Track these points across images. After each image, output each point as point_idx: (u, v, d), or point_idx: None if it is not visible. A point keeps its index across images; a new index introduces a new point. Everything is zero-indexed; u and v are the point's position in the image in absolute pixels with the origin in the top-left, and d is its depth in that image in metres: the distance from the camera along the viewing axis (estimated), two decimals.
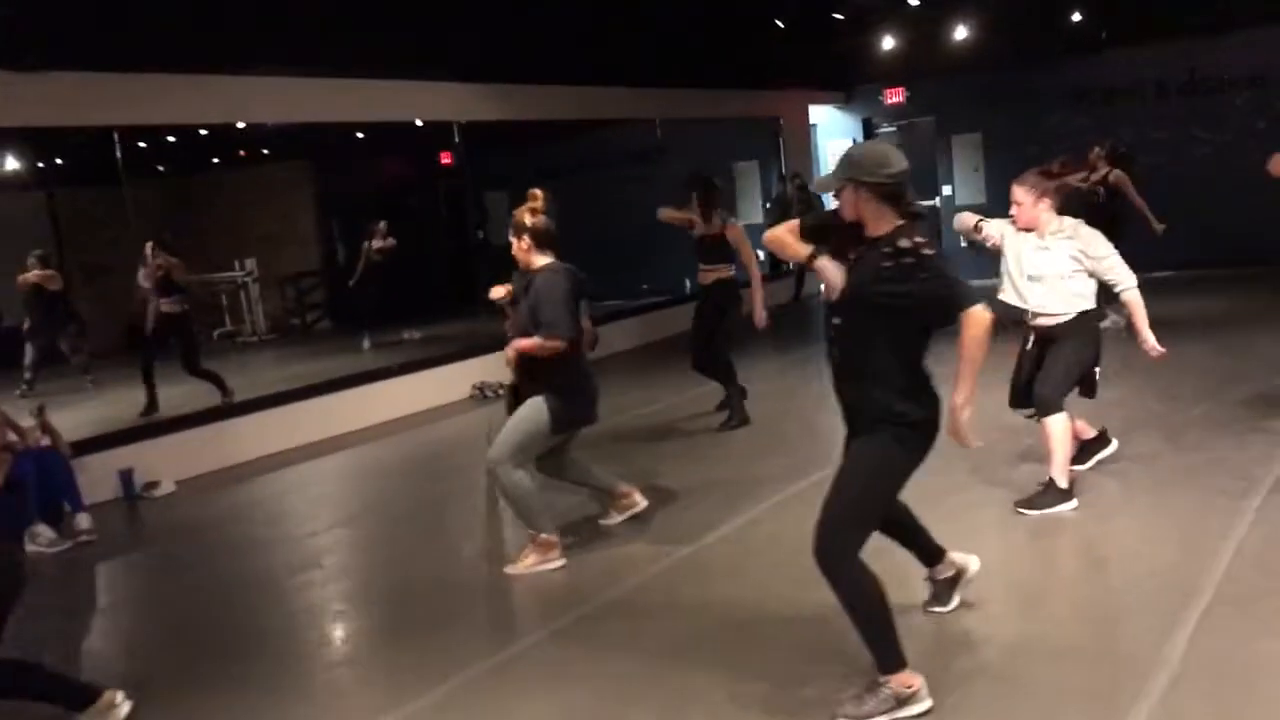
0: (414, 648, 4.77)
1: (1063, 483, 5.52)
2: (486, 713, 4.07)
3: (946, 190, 16.00)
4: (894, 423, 3.61)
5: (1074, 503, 5.54)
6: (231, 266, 17.01)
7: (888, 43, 15.01)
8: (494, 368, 10.41)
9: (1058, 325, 5.64)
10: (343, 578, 5.96)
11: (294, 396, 9.28)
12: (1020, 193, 5.60)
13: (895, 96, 16.20)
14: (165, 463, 8.02)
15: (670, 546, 5.66)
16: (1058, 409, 5.53)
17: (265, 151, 17.37)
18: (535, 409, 5.40)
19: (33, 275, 10.91)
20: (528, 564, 5.46)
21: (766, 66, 14.18)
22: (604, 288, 8.45)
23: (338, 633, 5.21)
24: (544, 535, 5.49)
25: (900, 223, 3.59)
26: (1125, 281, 5.61)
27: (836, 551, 3.58)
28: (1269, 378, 7.90)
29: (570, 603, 5.06)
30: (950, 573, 4.29)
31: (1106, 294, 10.57)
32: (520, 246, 5.47)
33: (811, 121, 16.75)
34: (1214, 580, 4.51)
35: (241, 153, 17.10)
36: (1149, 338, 5.66)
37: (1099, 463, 6.18)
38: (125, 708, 4.20)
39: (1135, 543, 5.18)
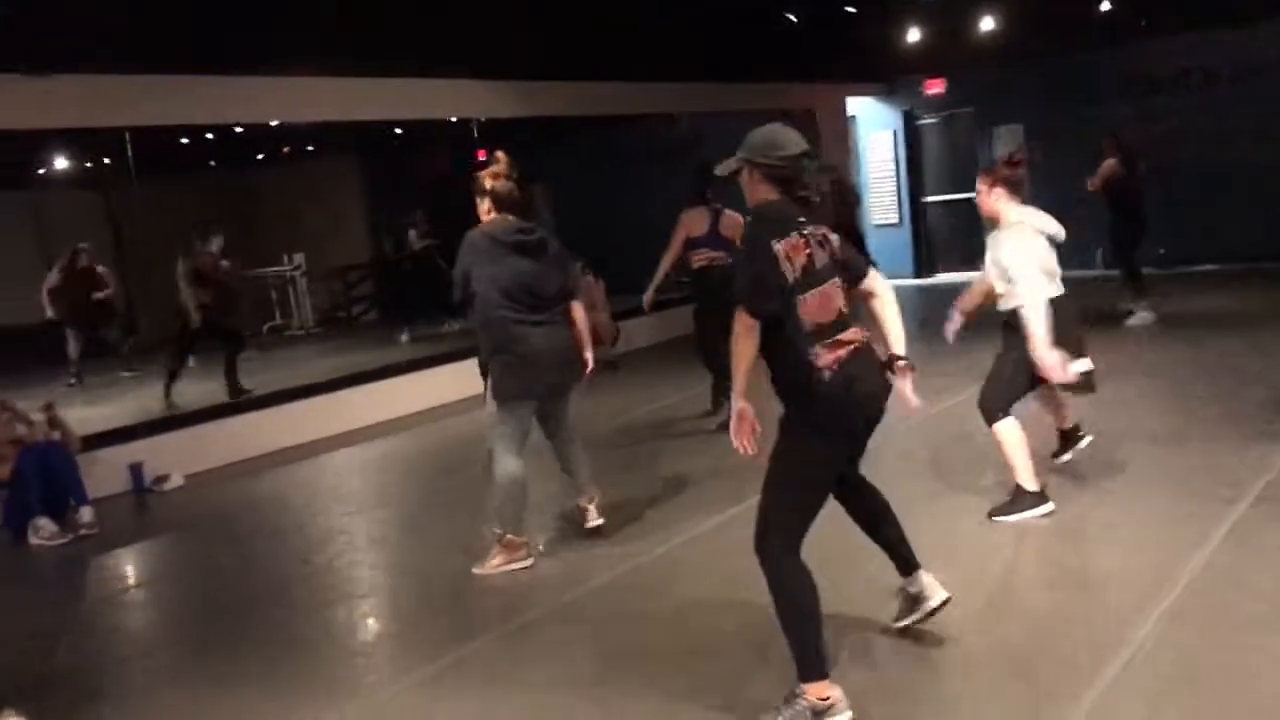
0: (365, 650, 4.85)
1: (1030, 486, 5.41)
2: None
3: None
4: (799, 412, 3.62)
5: (1049, 506, 5.41)
6: (280, 261, 17.32)
7: (928, 32, 14.73)
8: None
9: (1007, 319, 5.46)
10: (326, 575, 6.01)
11: (308, 392, 9.41)
12: (978, 183, 5.61)
13: (936, 87, 15.94)
14: (176, 457, 8.18)
15: (640, 545, 5.64)
16: (996, 418, 5.42)
17: (312, 148, 17.64)
18: (488, 386, 5.46)
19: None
20: (495, 564, 5.45)
21: (800, 58, 14.01)
22: (639, 280, 8.46)
23: (284, 632, 5.20)
24: (510, 536, 5.45)
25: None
26: (1024, 299, 5.25)
27: (767, 550, 3.58)
28: None
29: (524, 605, 5.05)
30: (915, 589, 4.13)
31: (1135, 290, 10.78)
32: (482, 209, 5.45)
33: (851, 114, 16.56)
34: (1174, 592, 4.39)
35: (287, 150, 17.37)
36: (1043, 355, 5.25)
37: (1086, 460, 6.06)
38: None
39: (1103, 550, 5.07)
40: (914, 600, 4.13)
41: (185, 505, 7.76)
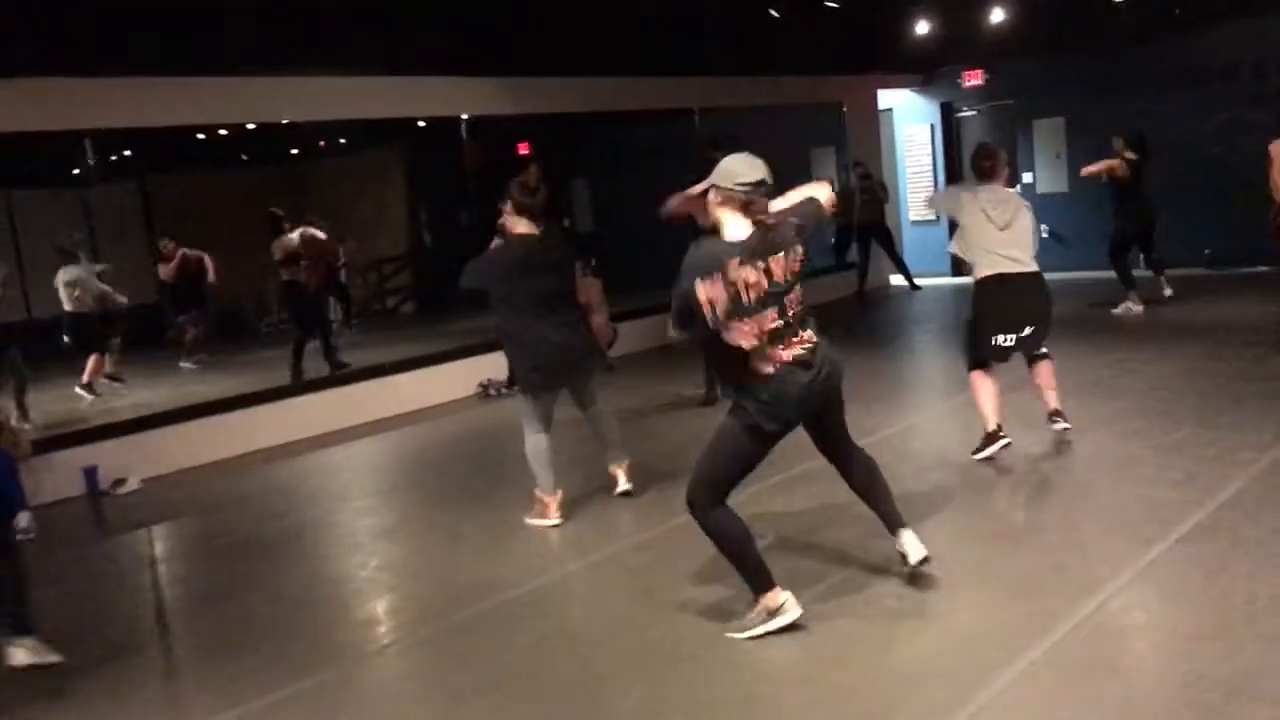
0: (265, 651, 4.87)
1: (989, 426, 6.41)
2: None
3: (1027, 178, 15.14)
4: (735, 396, 4.32)
5: (1004, 441, 6.37)
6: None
7: (966, 22, 14.21)
8: (501, 365, 10.41)
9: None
10: (246, 584, 5.94)
11: (277, 395, 9.48)
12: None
13: (974, 79, 15.39)
14: (135, 460, 8.22)
15: (603, 542, 5.88)
16: (967, 368, 6.54)
17: (354, 142, 17.75)
18: (519, 380, 6.25)
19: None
20: (531, 518, 6.24)
21: (826, 50, 13.63)
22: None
23: (199, 632, 5.29)
24: (544, 495, 6.19)
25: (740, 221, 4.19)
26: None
27: (695, 502, 4.35)
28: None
29: (454, 607, 5.07)
30: (899, 548, 4.71)
31: (1124, 282, 11.18)
32: (506, 210, 6.16)
33: (887, 106, 16.08)
34: (1036, 652, 4.07)
35: (342, 141, 17.51)
36: None
37: (1016, 483, 5.79)
38: None
39: (986, 593, 4.71)
40: (901, 557, 4.72)
41: (134, 509, 7.79)
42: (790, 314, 4.22)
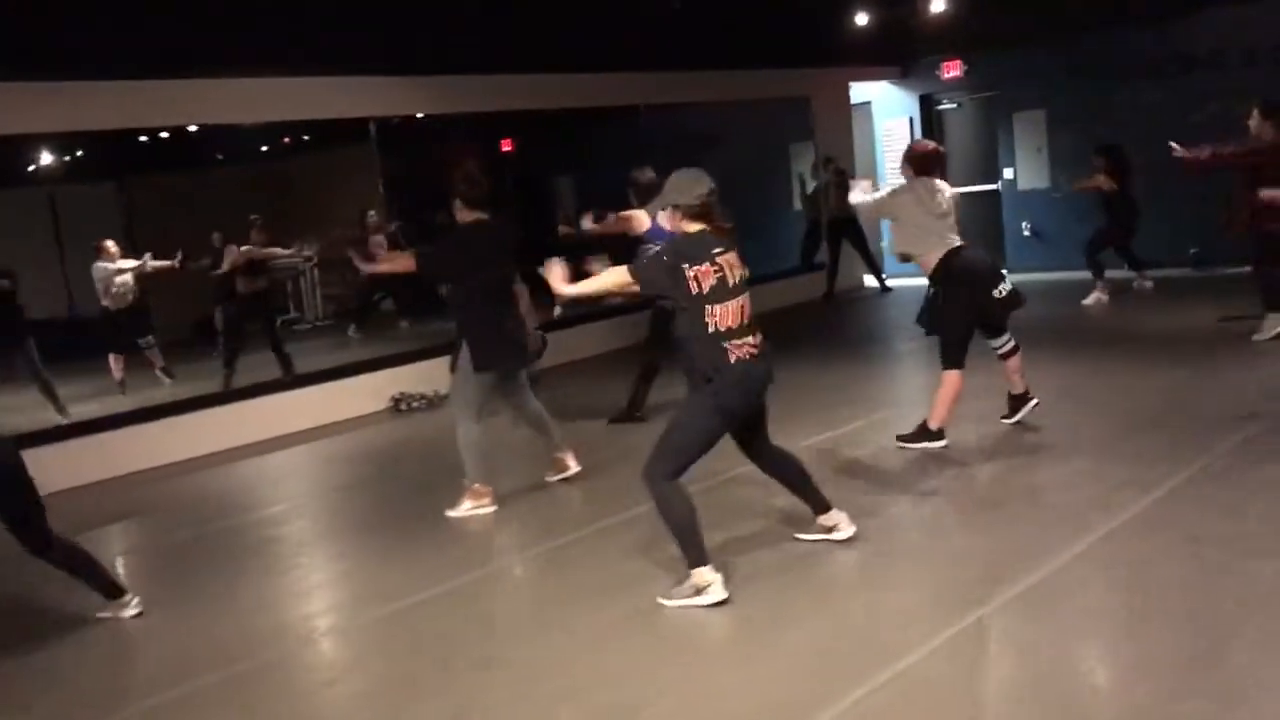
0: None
1: (934, 425, 6.58)
2: None
3: (1008, 173, 14.49)
4: (703, 388, 4.63)
5: (943, 442, 6.56)
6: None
7: (946, 9, 13.55)
8: (415, 378, 10.00)
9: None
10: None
11: (190, 406, 9.18)
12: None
13: (953, 70, 14.74)
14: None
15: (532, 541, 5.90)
16: (944, 365, 6.57)
17: (331, 138, 17.44)
18: (463, 358, 6.31)
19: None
20: (464, 508, 6.38)
21: (791, 42, 13.05)
22: None
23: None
24: (478, 485, 6.36)
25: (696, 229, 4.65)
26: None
27: (652, 474, 4.61)
28: (1222, 417, 6.62)
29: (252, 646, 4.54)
30: (830, 523, 5.15)
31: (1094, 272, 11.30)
32: (456, 206, 6.32)
33: (865, 99, 15.46)
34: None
35: (288, 140, 17.18)
36: None
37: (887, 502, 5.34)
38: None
39: (808, 632, 4.25)
40: (825, 529, 5.16)
41: None
42: (745, 315, 4.66)
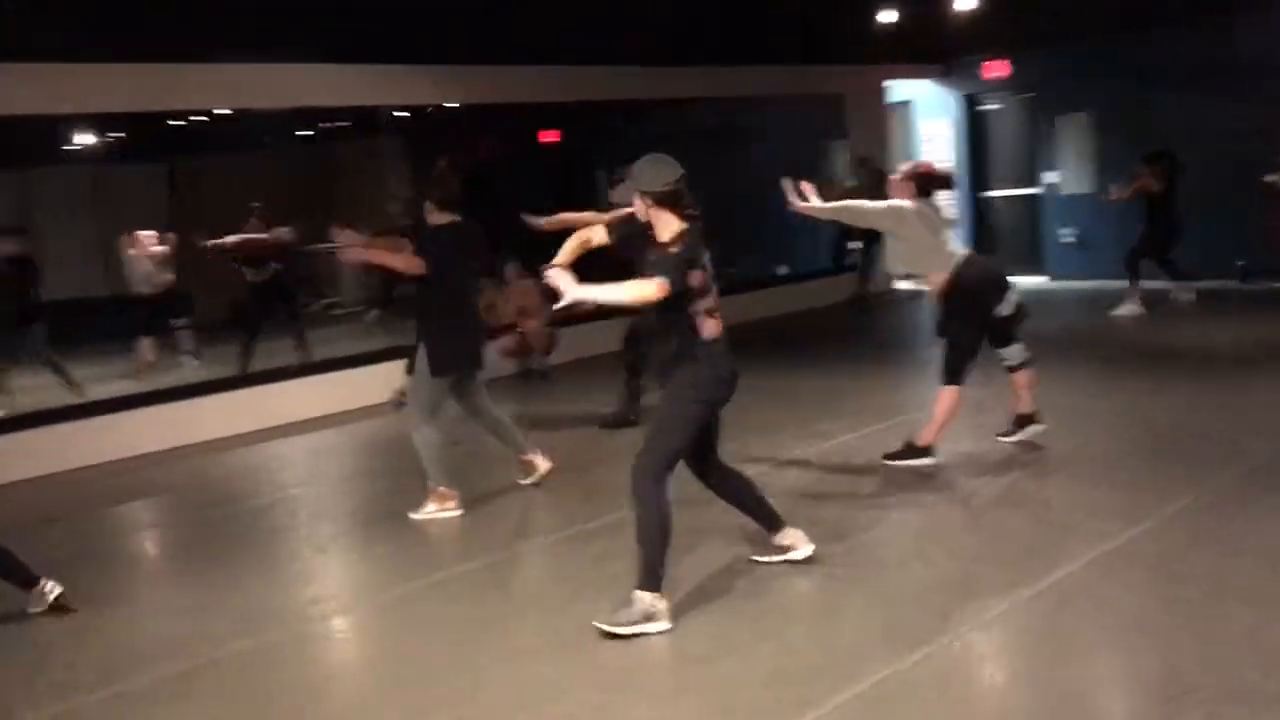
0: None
1: (924, 442, 6.29)
2: None
3: (1050, 178, 14.02)
4: (688, 379, 4.49)
5: (932, 459, 6.28)
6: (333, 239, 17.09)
7: (988, 6, 13.12)
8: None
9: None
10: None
11: (165, 397, 8.99)
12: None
13: (996, 70, 14.29)
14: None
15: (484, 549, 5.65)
16: (945, 379, 6.29)
17: (363, 127, 17.44)
18: (420, 360, 6.16)
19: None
20: (428, 511, 6.22)
21: (825, 37, 12.74)
22: None
23: None
24: (441, 488, 6.22)
25: (683, 226, 4.44)
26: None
27: (643, 468, 4.41)
28: (1235, 443, 6.25)
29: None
30: (785, 542, 4.93)
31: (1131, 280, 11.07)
32: (427, 207, 6.24)
33: (907, 97, 15.07)
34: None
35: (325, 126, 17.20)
36: None
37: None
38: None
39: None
40: (781, 549, 4.93)
41: None
42: (718, 307, 4.55)
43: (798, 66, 12.97)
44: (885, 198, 13.47)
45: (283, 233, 11.06)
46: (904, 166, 6.62)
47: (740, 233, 14.55)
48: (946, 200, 6.57)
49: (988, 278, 6.37)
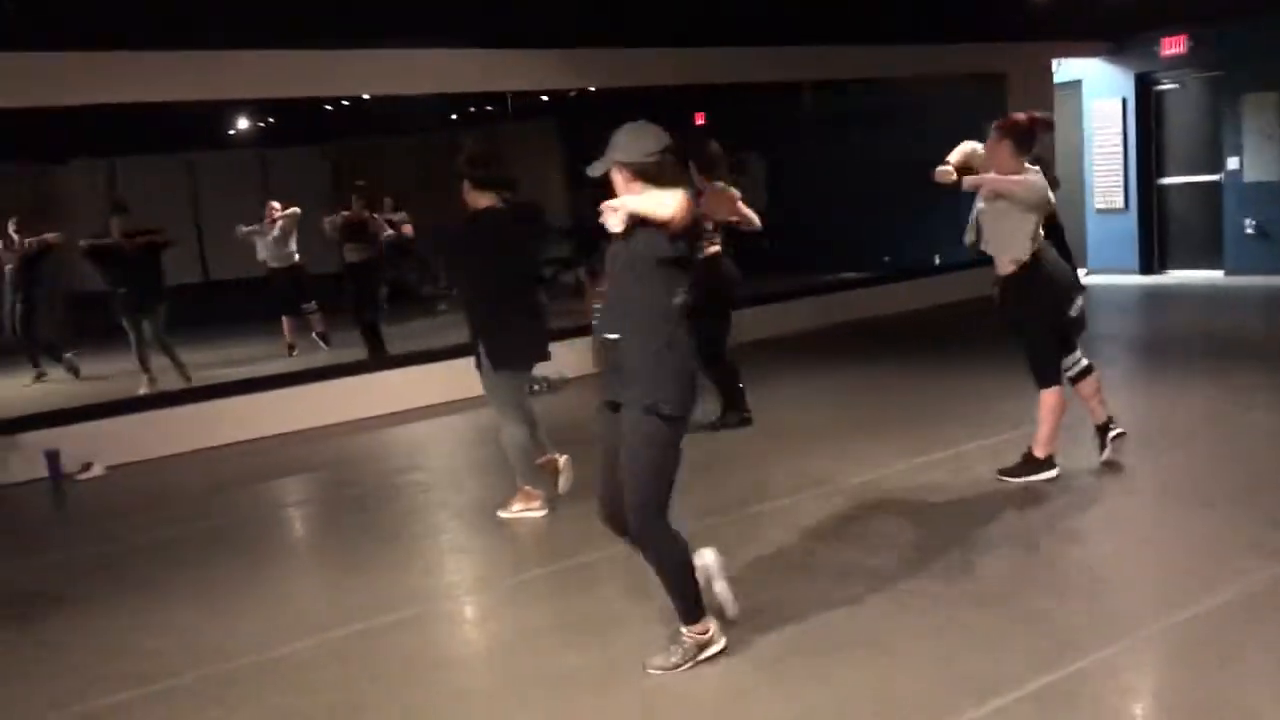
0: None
1: (1041, 452, 5.76)
2: None
3: (1233, 163, 12.84)
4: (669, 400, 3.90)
5: (1054, 471, 5.75)
6: None
7: None
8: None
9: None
10: (116, 584, 5.54)
11: (270, 385, 9.03)
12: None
13: (1174, 46, 13.17)
14: (105, 446, 7.93)
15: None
16: (1041, 383, 5.76)
17: (517, 111, 17.46)
18: (484, 356, 5.88)
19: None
20: (515, 509, 6.03)
21: (991, 14, 11.98)
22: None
23: None
24: (528, 487, 6.01)
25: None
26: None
27: (646, 518, 3.88)
28: None
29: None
30: (696, 640, 4.04)
31: None
32: (465, 189, 5.85)
33: (1075, 77, 14.05)
34: None
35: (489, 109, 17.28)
36: None
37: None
38: None
39: None
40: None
41: (89, 497, 7.53)
42: None
43: (959, 45, 12.23)
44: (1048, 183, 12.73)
45: (399, 218, 11.10)
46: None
47: (892, 220, 13.95)
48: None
49: (1062, 272, 5.81)
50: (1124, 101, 13.71)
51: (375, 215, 11.42)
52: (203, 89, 8.82)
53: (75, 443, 7.86)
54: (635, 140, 3.87)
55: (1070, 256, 12.55)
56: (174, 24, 8.12)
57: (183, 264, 16.25)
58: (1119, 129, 13.74)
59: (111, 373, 10.84)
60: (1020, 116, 5.69)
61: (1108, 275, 13.52)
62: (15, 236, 11.07)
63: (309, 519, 7.11)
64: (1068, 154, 13.57)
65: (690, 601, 3.98)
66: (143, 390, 9.54)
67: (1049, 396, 5.76)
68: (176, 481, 7.74)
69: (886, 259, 14.49)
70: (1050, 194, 5.71)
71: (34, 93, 7.91)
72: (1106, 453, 5.93)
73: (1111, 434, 5.92)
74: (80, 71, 7.94)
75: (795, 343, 11.04)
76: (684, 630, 3.98)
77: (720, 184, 7.23)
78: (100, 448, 7.91)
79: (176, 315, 10.42)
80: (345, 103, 14.30)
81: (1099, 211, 14.00)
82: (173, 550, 6.13)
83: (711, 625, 4.01)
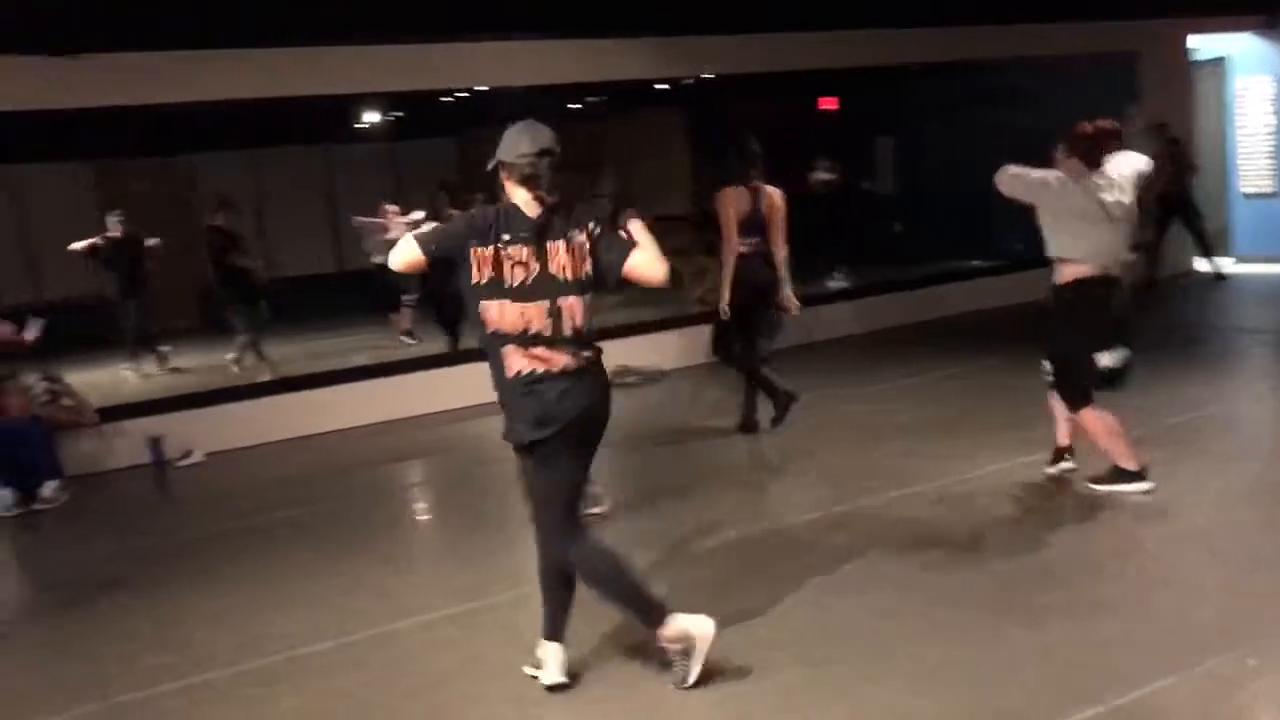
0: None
1: (1128, 465, 5.39)
2: None
3: None
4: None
5: (1147, 484, 5.38)
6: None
7: None
8: (645, 350, 9.55)
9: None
10: (174, 581, 5.60)
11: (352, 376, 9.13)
12: None
13: None
14: (205, 433, 8.15)
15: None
16: (1072, 405, 5.48)
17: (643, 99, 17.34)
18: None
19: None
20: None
21: None
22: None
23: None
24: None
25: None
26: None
27: (558, 545, 3.82)
28: None
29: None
30: (679, 645, 3.82)
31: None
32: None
33: (1219, 54, 13.20)
34: None
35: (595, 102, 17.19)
36: None
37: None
38: None
39: None
40: (685, 653, 3.84)
41: (185, 483, 7.76)
42: (565, 322, 3.71)
43: (1090, 22, 11.62)
44: (1178, 171, 12.05)
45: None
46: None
47: (1015, 209, 13.33)
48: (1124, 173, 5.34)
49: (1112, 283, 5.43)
50: (1274, 79, 12.81)
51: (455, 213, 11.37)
52: (336, 84, 9.01)
53: (176, 430, 8.12)
54: (513, 141, 3.77)
55: (1204, 239, 12.06)
56: (302, 20, 8.14)
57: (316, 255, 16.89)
58: (1271, 109, 12.85)
59: (208, 364, 11.15)
60: (1087, 128, 5.42)
61: (1256, 264, 12.69)
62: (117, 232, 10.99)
63: (392, 510, 7.09)
64: (1209, 136, 12.76)
65: (645, 606, 3.84)
66: (266, 376, 9.80)
67: (1089, 420, 5.42)
68: (271, 469, 7.91)
69: (1019, 246, 13.91)
70: (1103, 196, 5.28)
71: (167, 91, 8.16)
72: (1053, 470, 5.80)
73: (1066, 464, 5.77)
74: (212, 71, 8.15)
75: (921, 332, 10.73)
76: (662, 642, 3.82)
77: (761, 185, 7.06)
78: (200, 435, 8.15)
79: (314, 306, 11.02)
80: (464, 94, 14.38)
81: (1246, 197, 13.14)
82: (251, 538, 6.24)
83: (679, 621, 3.79)
